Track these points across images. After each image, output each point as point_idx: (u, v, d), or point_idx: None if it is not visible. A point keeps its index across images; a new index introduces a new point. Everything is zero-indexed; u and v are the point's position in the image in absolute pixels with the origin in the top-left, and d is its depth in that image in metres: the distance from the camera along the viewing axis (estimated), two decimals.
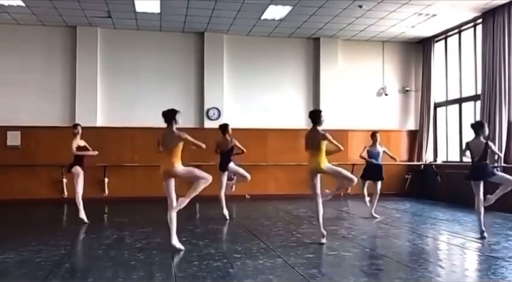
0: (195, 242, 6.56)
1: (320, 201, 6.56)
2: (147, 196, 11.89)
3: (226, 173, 8.84)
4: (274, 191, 12.62)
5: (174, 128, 6.15)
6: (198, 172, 6.14)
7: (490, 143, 7.13)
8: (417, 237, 7.27)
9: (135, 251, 6.00)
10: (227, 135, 8.90)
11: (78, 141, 8.54)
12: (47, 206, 10.90)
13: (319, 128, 6.60)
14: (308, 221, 8.64)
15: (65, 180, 11.53)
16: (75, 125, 8.71)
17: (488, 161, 7.04)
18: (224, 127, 8.99)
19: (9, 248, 6.13)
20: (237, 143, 8.90)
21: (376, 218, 9.02)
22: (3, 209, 10.27)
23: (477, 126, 7.08)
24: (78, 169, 8.45)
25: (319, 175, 6.59)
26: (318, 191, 6.56)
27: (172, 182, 6.17)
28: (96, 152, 8.78)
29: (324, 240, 6.48)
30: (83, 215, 8.36)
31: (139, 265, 5.29)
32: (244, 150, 8.98)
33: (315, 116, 6.63)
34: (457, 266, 5.65)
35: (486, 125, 7.15)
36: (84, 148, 8.61)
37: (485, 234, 6.87)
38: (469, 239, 6.87)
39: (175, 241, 6.06)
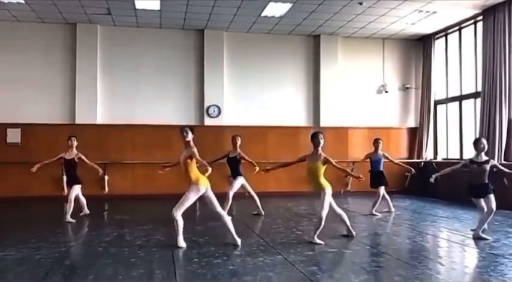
0: (195, 240, 6.56)
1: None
2: (147, 194, 11.91)
3: (235, 181, 8.83)
4: (274, 189, 12.60)
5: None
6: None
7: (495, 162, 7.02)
8: (417, 234, 7.28)
9: (135, 249, 6.00)
10: (236, 146, 8.93)
11: (69, 154, 8.54)
12: (47, 203, 10.90)
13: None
14: (308, 218, 8.65)
15: (65, 178, 11.50)
16: (69, 137, 8.73)
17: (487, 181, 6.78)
18: (232, 138, 9.08)
19: (9, 245, 6.14)
20: (244, 155, 8.91)
21: (375, 215, 9.07)
22: (3, 206, 10.27)
23: (475, 143, 6.93)
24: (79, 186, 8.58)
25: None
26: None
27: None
28: (100, 171, 8.84)
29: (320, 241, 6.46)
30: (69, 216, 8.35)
31: (139, 262, 5.30)
32: (253, 162, 8.83)
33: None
34: (457, 263, 5.65)
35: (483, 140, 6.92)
36: (72, 161, 8.55)
37: (482, 235, 6.76)
38: (469, 236, 6.86)
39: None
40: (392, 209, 9.54)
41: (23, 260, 5.45)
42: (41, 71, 12.18)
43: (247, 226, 7.86)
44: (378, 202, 9.24)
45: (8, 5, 10.85)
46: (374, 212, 9.15)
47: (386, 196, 9.50)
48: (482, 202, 6.81)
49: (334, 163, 6.50)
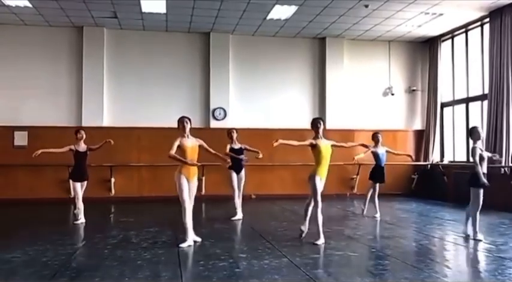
0: (201, 242, 6.55)
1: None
2: (153, 196, 11.94)
3: (239, 175, 8.85)
4: (279, 191, 12.61)
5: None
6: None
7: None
8: (423, 237, 7.24)
9: (141, 251, 6.01)
10: (233, 139, 8.90)
11: (82, 147, 8.47)
12: (54, 205, 10.95)
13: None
14: (314, 221, 8.60)
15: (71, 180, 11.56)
16: (77, 130, 8.67)
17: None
18: (228, 133, 9.02)
19: (16, 247, 6.16)
20: (247, 146, 8.92)
21: (368, 217, 9.01)
22: (10, 209, 10.34)
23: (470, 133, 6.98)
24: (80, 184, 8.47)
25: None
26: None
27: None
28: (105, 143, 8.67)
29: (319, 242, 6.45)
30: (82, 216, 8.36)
31: (145, 264, 5.30)
32: (256, 150, 8.68)
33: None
34: (464, 267, 5.63)
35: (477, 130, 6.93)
36: (85, 154, 8.52)
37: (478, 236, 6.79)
38: (475, 240, 6.82)
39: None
40: (366, 215, 9.17)
41: (30, 262, 5.47)
42: (47, 73, 12.25)
43: (252, 228, 7.85)
44: (376, 201, 9.13)
45: (16, 9, 10.94)
46: (376, 215, 9.07)
47: (375, 199, 9.20)
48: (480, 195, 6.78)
49: (335, 143, 6.75)
